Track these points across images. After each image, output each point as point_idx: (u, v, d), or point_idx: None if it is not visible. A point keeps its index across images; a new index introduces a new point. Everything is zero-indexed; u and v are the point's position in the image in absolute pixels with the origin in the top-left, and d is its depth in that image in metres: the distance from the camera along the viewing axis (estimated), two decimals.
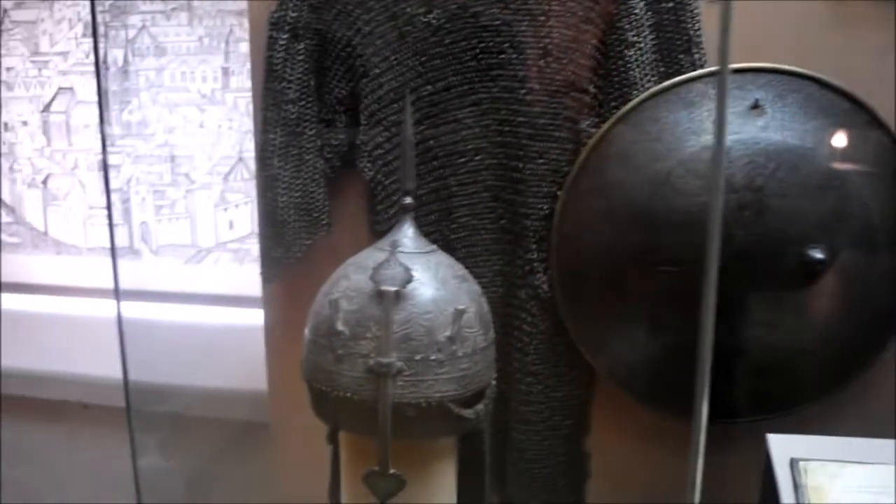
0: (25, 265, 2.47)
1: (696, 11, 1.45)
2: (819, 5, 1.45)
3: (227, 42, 2.21)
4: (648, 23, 1.45)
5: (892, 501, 1.17)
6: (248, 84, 1.83)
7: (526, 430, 1.60)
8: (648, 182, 1.42)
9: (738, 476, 1.43)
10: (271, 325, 1.79)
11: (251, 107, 1.72)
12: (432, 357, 1.20)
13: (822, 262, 1.34)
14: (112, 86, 2.28)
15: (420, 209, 1.51)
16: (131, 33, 2.25)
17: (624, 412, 1.60)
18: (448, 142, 1.56)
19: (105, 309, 2.22)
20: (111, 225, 2.01)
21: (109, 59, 2.26)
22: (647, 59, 1.46)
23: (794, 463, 1.26)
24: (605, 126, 1.47)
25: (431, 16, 1.51)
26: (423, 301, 1.22)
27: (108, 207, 2.11)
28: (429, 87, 1.54)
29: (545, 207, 1.53)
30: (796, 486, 1.22)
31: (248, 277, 2.09)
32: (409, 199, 1.33)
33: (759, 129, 1.38)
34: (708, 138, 1.40)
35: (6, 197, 2.48)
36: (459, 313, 1.22)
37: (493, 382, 1.33)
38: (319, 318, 1.27)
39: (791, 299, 1.41)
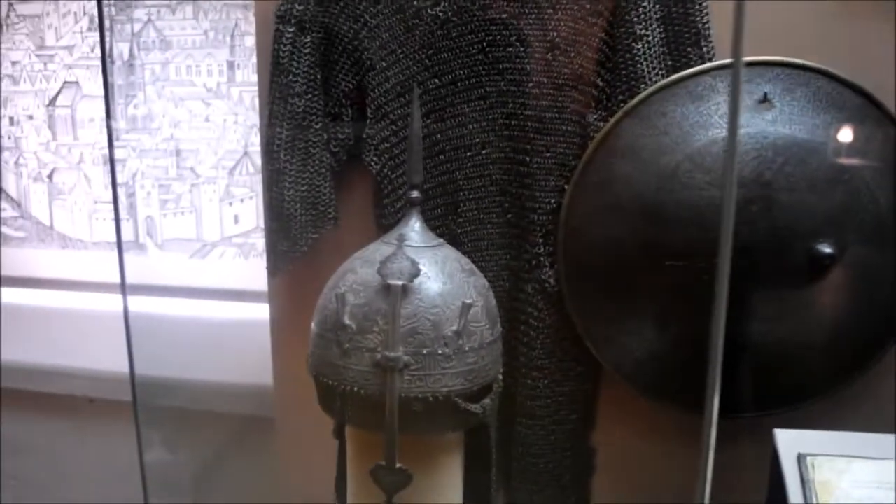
0: (31, 259, 2.48)
1: (704, 4, 1.44)
2: None
3: (232, 36, 2.20)
4: (657, 16, 1.45)
5: None
6: (254, 78, 1.83)
7: (532, 425, 1.60)
8: (656, 176, 1.41)
9: (745, 471, 1.42)
10: (277, 320, 1.79)
11: (257, 101, 1.72)
12: (439, 351, 1.20)
13: (830, 257, 1.34)
14: (117, 80, 2.28)
15: (426, 203, 1.51)
16: (137, 27, 2.25)
17: (630, 407, 1.60)
18: (455, 135, 1.55)
19: (110, 303, 2.22)
20: (117, 219, 2.00)
21: (115, 53, 2.26)
22: (655, 52, 1.45)
23: (801, 458, 1.25)
24: (613, 120, 1.46)
25: (438, 9, 1.51)
26: (430, 295, 1.22)
27: (115, 202, 2.11)
28: (436, 80, 1.54)
29: (552, 201, 1.53)
30: (804, 482, 1.22)
31: (254, 271, 2.10)
32: (415, 193, 1.33)
33: (767, 122, 1.37)
34: (716, 132, 1.39)
35: (12, 191, 2.48)
36: (466, 307, 1.22)
37: (500, 377, 1.33)
38: (326, 312, 1.27)
39: (799, 294, 1.40)
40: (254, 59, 1.89)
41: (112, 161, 2.26)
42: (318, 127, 1.58)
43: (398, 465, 1.20)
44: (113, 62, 2.26)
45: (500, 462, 1.55)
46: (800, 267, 1.36)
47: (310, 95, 1.57)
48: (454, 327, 1.21)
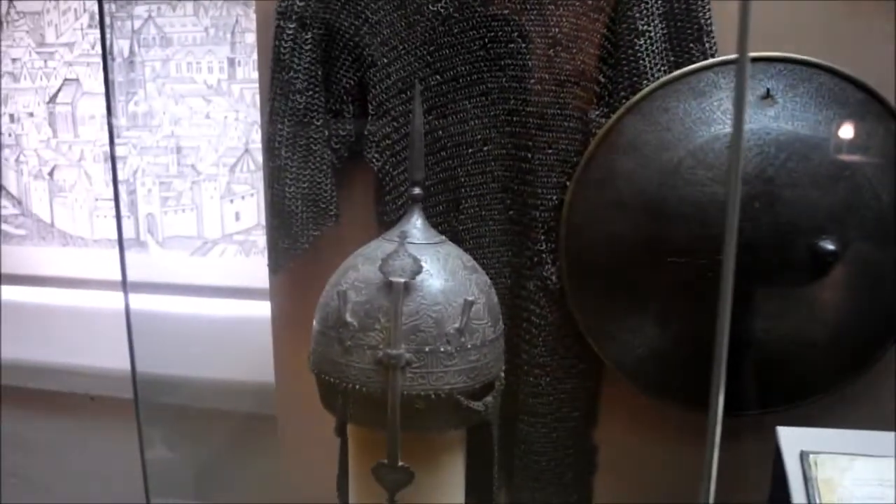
0: (32, 257, 2.48)
1: (706, 0, 1.43)
2: None
3: (233, 32, 2.20)
4: (659, 11, 1.44)
5: None
6: (255, 75, 1.82)
7: (534, 423, 1.60)
8: (658, 172, 1.41)
9: (747, 469, 1.42)
10: (278, 317, 1.78)
11: (257, 98, 1.72)
12: (441, 349, 1.20)
13: (833, 254, 1.33)
14: (118, 77, 2.27)
15: (428, 200, 1.50)
16: (137, 24, 2.25)
17: (632, 404, 1.60)
18: (456, 132, 1.55)
19: (111, 301, 2.22)
20: (118, 216, 2.00)
21: (115, 50, 2.26)
22: (658, 48, 1.45)
23: (804, 456, 1.25)
24: (615, 116, 1.46)
25: (440, 5, 1.50)
26: (432, 292, 1.21)
27: (116, 199, 2.11)
28: (437, 76, 1.53)
29: (554, 198, 1.52)
30: (806, 479, 1.22)
31: (255, 269, 2.09)
32: (417, 190, 1.33)
33: (770, 118, 1.37)
34: (718, 128, 1.39)
35: (12, 189, 2.48)
36: (468, 305, 1.22)
37: (502, 374, 1.32)
38: (328, 310, 1.26)
39: (801, 291, 1.40)
40: (254, 56, 1.89)
41: (113, 158, 2.26)
42: (319, 124, 1.58)
43: (400, 464, 1.19)
44: (113, 59, 2.26)
45: (502, 460, 1.54)
46: (802, 264, 1.36)
47: (311, 92, 1.57)
48: (456, 325, 1.21)
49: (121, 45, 2.26)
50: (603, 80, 1.49)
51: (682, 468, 1.36)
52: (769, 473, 1.35)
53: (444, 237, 1.35)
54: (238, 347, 2.09)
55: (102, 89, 2.32)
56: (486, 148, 1.55)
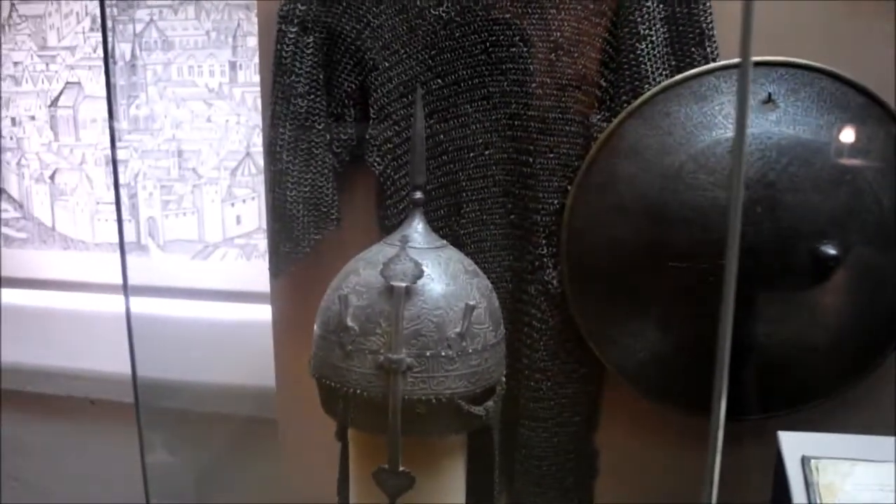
0: (33, 260, 2.48)
1: (708, 4, 1.43)
2: None
3: (234, 36, 2.20)
4: (660, 16, 1.44)
5: None
6: (256, 78, 1.83)
7: (535, 427, 1.60)
8: (659, 177, 1.41)
9: (749, 473, 1.42)
10: (279, 321, 1.78)
11: (259, 101, 1.72)
12: (442, 353, 1.19)
13: (835, 258, 1.33)
14: (119, 80, 2.27)
15: (429, 204, 1.50)
16: (139, 27, 2.25)
17: (633, 409, 1.59)
18: (457, 136, 1.55)
19: (112, 304, 2.22)
20: (119, 220, 2.01)
21: (117, 54, 2.26)
22: (659, 52, 1.45)
23: (805, 460, 1.25)
24: (616, 120, 1.45)
25: (441, 9, 1.51)
26: (433, 297, 1.21)
27: (117, 202, 2.10)
28: (438, 80, 1.53)
29: (555, 202, 1.52)
30: (808, 484, 1.22)
31: (256, 272, 2.09)
32: (418, 194, 1.33)
33: (771, 123, 1.37)
34: (720, 132, 1.39)
35: (14, 192, 2.48)
36: (470, 309, 1.22)
37: (503, 379, 1.32)
38: (329, 314, 1.26)
39: (803, 295, 1.39)
40: (256, 60, 1.89)
41: (114, 162, 2.26)
42: (320, 128, 1.58)
43: (401, 468, 1.19)
44: (115, 62, 2.26)
45: (503, 464, 1.54)
46: (804, 268, 1.36)
47: (312, 96, 1.57)
48: (457, 329, 1.21)
49: (122, 49, 2.26)
50: (604, 84, 1.49)
51: (683, 473, 1.36)
52: (770, 478, 1.35)
53: (445, 241, 1.34)
54: (239, 351, 2.09)
55: (104, 93, 2.33)
56: (487, 152, 1.55)
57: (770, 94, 1.38)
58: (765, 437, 1.37)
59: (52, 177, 2.44)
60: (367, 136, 1.58)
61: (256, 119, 2.09)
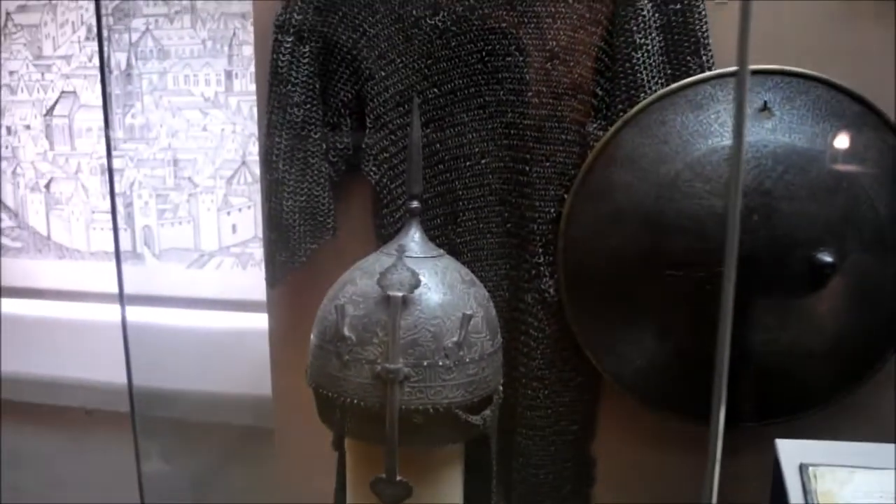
0: (28, 270, 2.47)
1: (703, 13, 1.44)
2: (828, 5, 1.44)
3: (230, 45, 2.20)
4: (656, 25, 1.44)
5: None
6: (252, 87, 1.83)
7: (532, 436, 1.60)
8: (655, 185, 1.41)
9: (746, 481, 1.42)
10: (276, 330, 1.78)
11: (254, 110, 1.72)
12: (440, 363, 1.19)
13: (831, 266, 1.33)
14: (115, 89, 2.27)
15: (426, 213, 1.50)
16: (135, 36, 2.25)
17: (630, 417, 1.59)
18: (454, 145, 1.55)
19: (107, 313, 2.21)
20: (115, 229, 2.00)
21: (112, 63, 2.26)
22: (655, 61, 1.45)
23: (803, 468, 1.25)
24: (612, 129, 1.46)
25: (437, 18, 1.51)
26: (430, 306, 1.21)
27: (113, 211, 2.10)
28: (435, 90, 1.54)
29: (552, 211, 1.52)
30: (805, 492, 1.21)
31: (252, 281, 2.09)
32: (415, 203, 1.33)
33: (767, 131, 1.37)
34: (716, 141, 1.39)
35: (9, 201, 2.48)
36: (467, 318, 1.22)
37: (500, 388, 1.32)
38: (325, 324, 1.26)
39: (799, 303, 1.40)
40: (252, 69, 1.89)
41: (110, 171, 2.25)
42: (317, 137, 1.58)
43: (398, 478, 1.19)
44: (111, 72, 2.26)
45: (501, 473, 1.54)
46: (800, 276, 1.36)
47: (309, 105, 1.57)
48: (455, 338, 1.20)
49: (118, 58, 2.26)
50: (600, 92, 1.50)
51: (681, 480, 1.36)
52: (768, 486, 1.35)
53: (442, 251, 1.34)
54: (235, 360, 2.08)
55: (99, 102, 2.33)
56: (483, 161, 1.55)
57: (766, 103, 1.38)
58: (762, 444, 1.37)
59: (47, 186, 2.44)
60: (364, 146, 1.58)
61: (252, 128, 2.09)
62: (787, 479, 1.24)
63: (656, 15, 1.44)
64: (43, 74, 2.39)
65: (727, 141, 1.38)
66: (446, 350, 1.20)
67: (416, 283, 1.20)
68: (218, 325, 2.22)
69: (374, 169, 1.58)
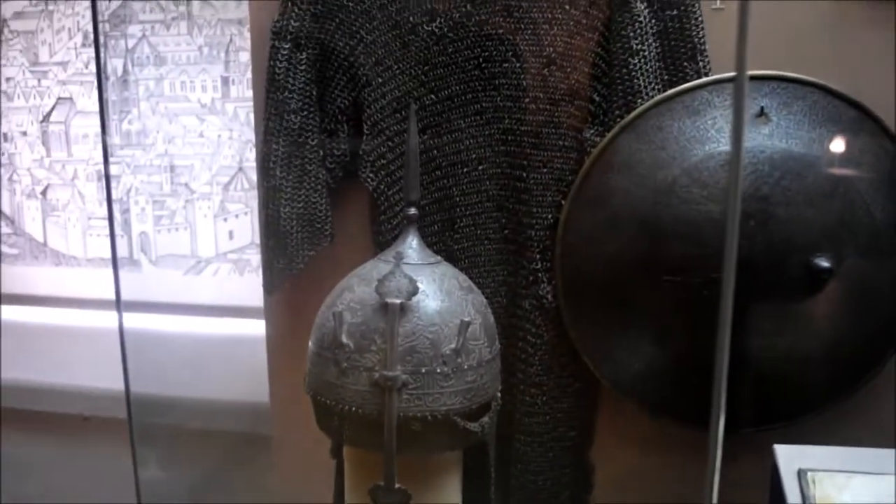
0: (25, 276, 2.46)
1: (700, 19, 1.44)
2: (824, 11, 1.44)
3: (227, 51, 2.20)
4: (653, 30, 1.45)
5: None
6: (249, 94, 1.82)
7: (530, 442, 1.59)
8: (652, 191, 1.41)
9: (745, 486, 1.41)
10: (273, 336, 1.78)
11: (251, 116, 1.72)
12: (438, 370, 1.19)
13: (828, 271, 1.34)
14: (112, 96, 2.27)
15: (423, 219, 1.51)
16: (131, 43, 2.25)
17: (628, 423, 1.59)
18: (451, 151, 1.55)
19: (104, 320, 2.21)
20: (112, 235, 2.00)
21: (109, 69, 2.26)
22: (652, 67, 1.45)
23: (801, 473, 1.25)
24: (609, 135, 1.46)
25: (434, 25, 1.51)
26: (428, 313, 1.21)
27: (110, 218, 2.10)
28: (432, 96, 1.54)
29: (549, 217, 1.52)
30: (804, 497, 1.21)
31: (249, 288, 2.09)
32: (412, 210, 1.33)
33: (764, 137, 1.37)
34: (712, 146, 1.39)
35: (5, 208, 2.47)
36: (465, 325, 1.22)
37: (499, 395, 1.32)
38: (323, 331, 1.26)
39: (797, 308, 1.40)
40: (248, 75, 1.89)
41: (107, 177, 2.25)
42: (314, 143, 1.58)
43: (397, 485, 1.19)
44: (107, 78, 2.26)
45: (499, 480, 1.53)
46: (798, 281, 1.36)
47: (306, 112, 1.56)
48: (453, 345, 1.20)
49: (115, 64, 2.26)
50: (597, 98, 1.50)
51: (679, 486, 1.36)
52: (767, 491, 1.34)
53: (439, 257, 1.34)
54: (233, 367, 2.08)
55: (96, 108, 2.32)
56: (480, 167, 1.55)
57: (762, 108, 1.39)
58: (761, 449, 1.37)
59: (43, 192, 2.43)
60: (361, 152, 1.58)
61: (249, 134, 2.09)
62: (785, 485, 1.24)
63: (653, 21, 1.44)
64: (39, 81, 2.39)
65: (724, 147, 1.38)
66: (444, 357, 1.20)
67: (414, 291, 1.20)
68: (215, 331, 2.21)
69: (371, 175, 1.57)
